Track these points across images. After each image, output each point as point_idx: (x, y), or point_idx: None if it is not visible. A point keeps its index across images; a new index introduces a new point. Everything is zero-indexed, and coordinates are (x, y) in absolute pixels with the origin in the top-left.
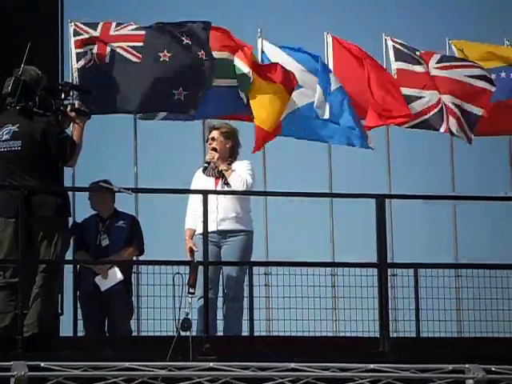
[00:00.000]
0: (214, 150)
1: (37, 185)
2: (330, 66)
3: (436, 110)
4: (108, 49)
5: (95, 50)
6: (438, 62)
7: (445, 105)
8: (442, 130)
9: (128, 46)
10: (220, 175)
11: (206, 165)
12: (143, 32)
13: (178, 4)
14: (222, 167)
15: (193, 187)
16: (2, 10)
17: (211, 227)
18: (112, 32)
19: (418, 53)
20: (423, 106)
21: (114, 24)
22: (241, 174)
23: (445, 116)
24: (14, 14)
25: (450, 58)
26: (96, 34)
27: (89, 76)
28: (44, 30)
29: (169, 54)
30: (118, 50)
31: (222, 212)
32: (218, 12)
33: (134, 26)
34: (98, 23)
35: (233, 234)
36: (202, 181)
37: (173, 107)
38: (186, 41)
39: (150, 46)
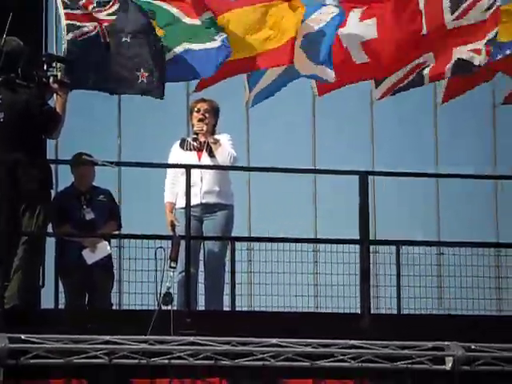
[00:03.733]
0: (202, 120)
1: (20, 157)
2: None
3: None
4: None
5: (98, 28)
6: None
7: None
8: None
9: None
10: (203, 147)
11: (194, 136)
12: (114, 17)
13: None
14: (210, 139)
15: (171, 162)
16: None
17: (194, 201)
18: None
19: None
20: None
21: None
22: (227, 147)
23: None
24: None
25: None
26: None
27: (78, 49)
28: (28, 1)
29: (129, 36)
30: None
31: (207, 185)
32: None
33: (107, 12)
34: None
35: (216, 207)
36: (180, 155)
37: (139, 90)
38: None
39: (116, 27)
